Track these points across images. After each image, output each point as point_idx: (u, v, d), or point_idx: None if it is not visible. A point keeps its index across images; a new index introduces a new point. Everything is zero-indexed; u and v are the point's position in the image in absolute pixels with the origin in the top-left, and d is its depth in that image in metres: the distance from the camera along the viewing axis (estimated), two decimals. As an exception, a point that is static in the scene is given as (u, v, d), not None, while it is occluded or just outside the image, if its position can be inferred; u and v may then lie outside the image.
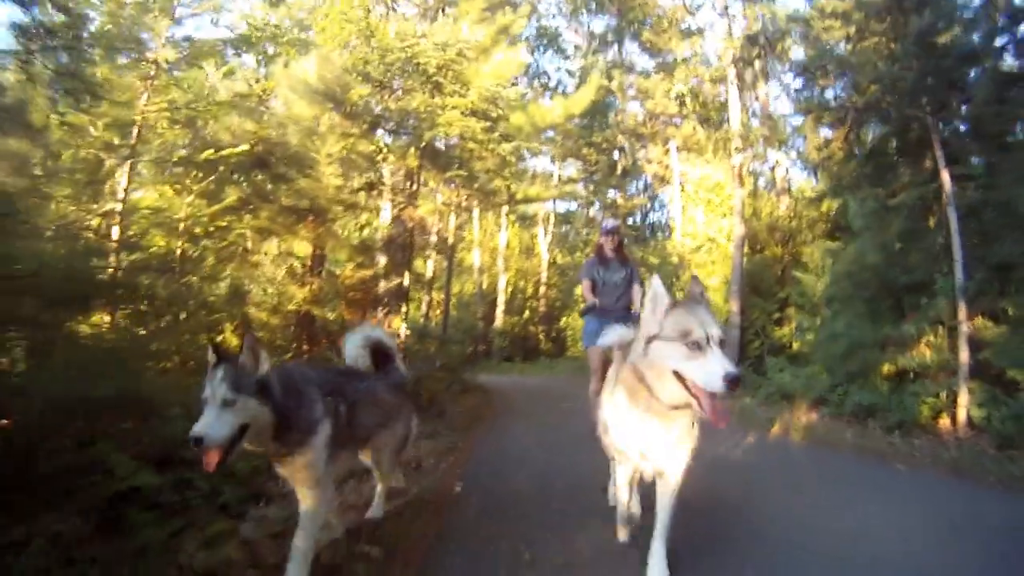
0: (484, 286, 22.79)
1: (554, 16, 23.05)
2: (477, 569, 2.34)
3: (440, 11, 10.56)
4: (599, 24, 24.51)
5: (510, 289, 22.47)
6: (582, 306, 5.05)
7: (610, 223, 5.35)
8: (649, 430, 2.10)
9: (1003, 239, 4.93)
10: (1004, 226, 4.98)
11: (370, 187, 7.07)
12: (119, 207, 4.73)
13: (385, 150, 7.28)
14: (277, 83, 7.05)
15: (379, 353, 2.94)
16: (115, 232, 4.60)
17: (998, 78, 5.16)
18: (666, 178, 18.15)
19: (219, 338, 5.08)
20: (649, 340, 1.90)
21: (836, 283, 7.56)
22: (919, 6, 5.59)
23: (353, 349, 2.87)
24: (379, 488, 2.97)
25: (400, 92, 7.05)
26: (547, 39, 23.75)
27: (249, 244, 6.21)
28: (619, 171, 21.45)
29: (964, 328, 4.99)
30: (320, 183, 5.49)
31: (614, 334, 2.41)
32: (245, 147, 4.85)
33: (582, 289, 5.13)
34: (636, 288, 4.95)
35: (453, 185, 9.00)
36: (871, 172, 6.25)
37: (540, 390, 11.22)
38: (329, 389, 2.31)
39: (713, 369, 1.74)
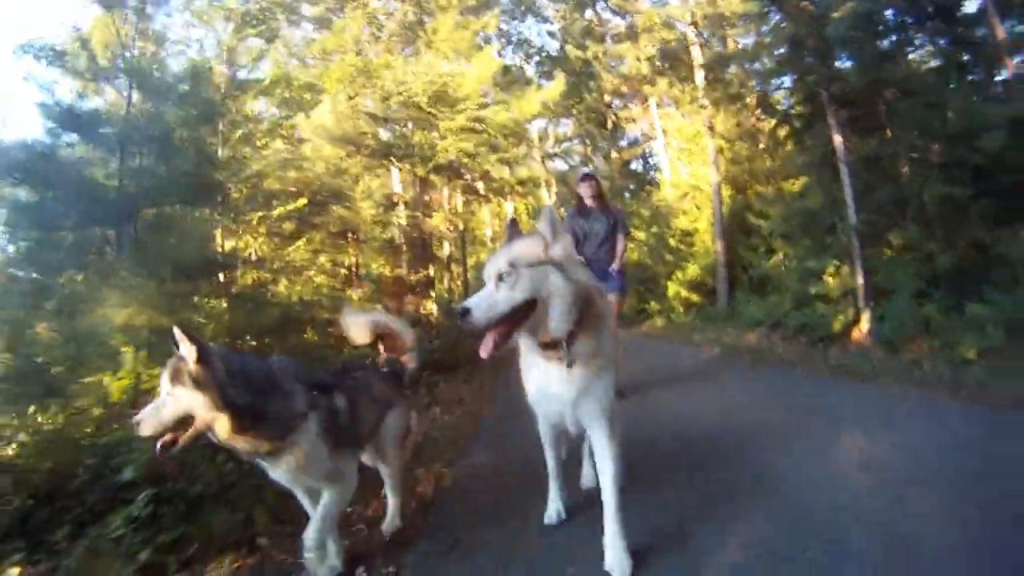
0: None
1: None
2: (503, 430, 4.25)
3: (419, 27, 12.04)
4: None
5: (521, 250, 24.03)
6: None
7: (585, 170, 5.34)
8: (535, 375, 2.13)
9: (880, 188, 6.45)
10: (881, 177, 6.49)
11: (391, 204, 8.71)
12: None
13: (399, 171, 8.94)
14: (301, 129, 8.64)
15: (381, 336, 2.90)
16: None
17: (871, 57, 6.55)
18: (651, 133, 19.39)
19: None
20: None
21: (786, 222, 9.10)
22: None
23: (356, 329, 2.87)
24: (390, 498, 2.75)
25: (402, 126, 8.66)
26: (525, 6, 24.71)
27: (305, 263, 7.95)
28: (609, 127, 22.71)
29: (857, 260, 6.57)
30: (358, 214, 7.18)
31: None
32: (303, 201, 6.48)
33: None
34: (620, 237, 4.98)
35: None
36: (789, 133, 7.76)
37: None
38: (316, 384, 2.27)
39: None
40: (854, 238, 6.55)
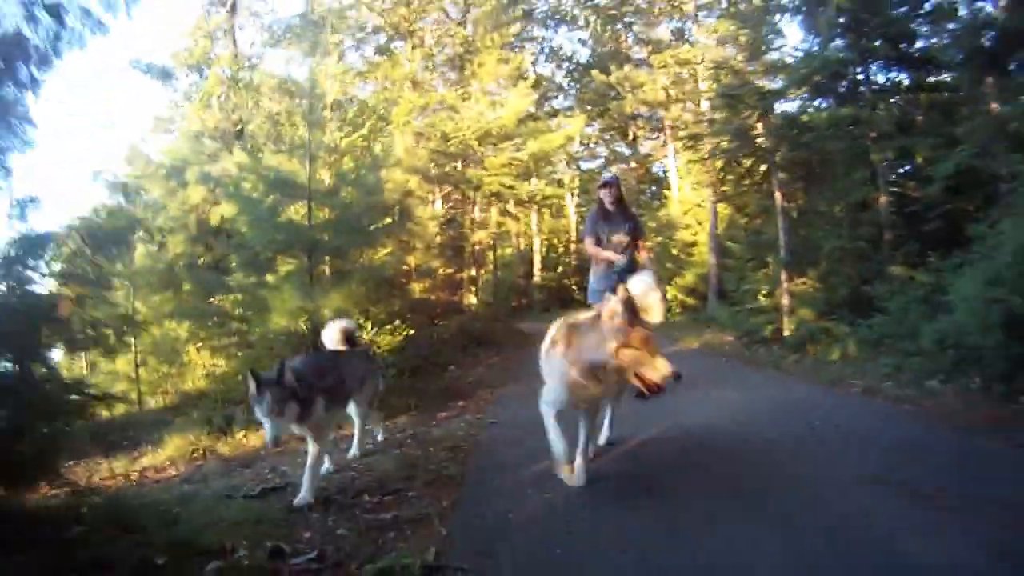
0: (521, 248, 26.95)
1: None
2: (519, 390, 6.77)
3: (467, 61, 14.69)
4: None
5: (544, 248, 26.64)
6: (594, 268, 5.14)
7: (607, 175, 5.49)
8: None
9: (806, 234, 8.99)
10: (807, 225, 9.02)
11: (449, 221, 11.42)
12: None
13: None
14: (376, 157, 11.36)
15: (348, 337, 4.27)
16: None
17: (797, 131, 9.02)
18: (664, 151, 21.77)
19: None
20: None
21: (746, 249, 11.64)
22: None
23: (331, 334, 4.26)
24: (356, 433, 4.26)
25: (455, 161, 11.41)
26: (559, 16, 26.99)
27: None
28: (630, 137, 25.13)
29: (784, 285, 9.09)
30: (426, 229, 9.91)
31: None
32: (389, 219, 9.15)
33: (587, 247, 5.13)
34: (641, 243, 5.07)
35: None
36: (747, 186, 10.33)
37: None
38: (323, 368, 3.60)
39: None
40: (782, 269, 9.09)
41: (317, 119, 7.18)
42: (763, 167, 9.73)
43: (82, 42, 3.07)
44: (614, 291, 4.02)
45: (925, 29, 8.11)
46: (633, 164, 25.35)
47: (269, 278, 6.85)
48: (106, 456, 5.59)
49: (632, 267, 4.77)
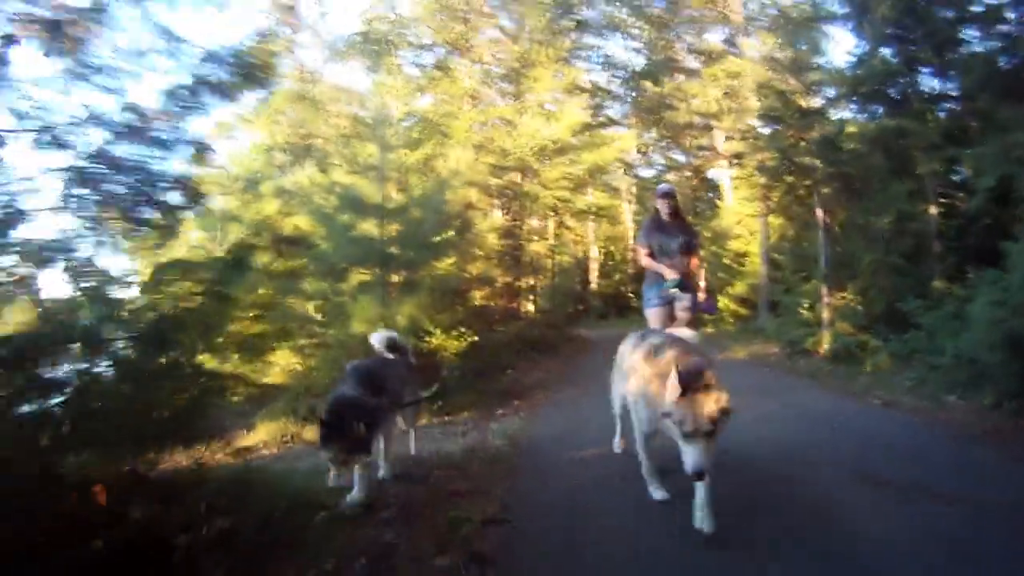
0: (579, 256, 27.39)
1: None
2: (572, 393, 7.46)
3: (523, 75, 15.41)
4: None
5: (601, 256, 27.04)
6: (648, 277, 5.16)
7: (664, 187, 5.38)
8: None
9: (843, 249, 9.32)
10: (847, 239, 9.36)
11: (508, 232, 12.22)
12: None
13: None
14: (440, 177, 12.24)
15: (394, 346, 4.44)
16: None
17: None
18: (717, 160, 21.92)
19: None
20: None
21: (796, 260, 11.96)
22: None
23: (379, 342, 4.44)
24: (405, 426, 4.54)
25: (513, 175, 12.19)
26: (612, 25, 27.34)
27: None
28: (687, 145, 25.30)
29: (825, 299, 9.43)
30: (486, 240, 10.71)
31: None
32: (451, 232, 9.97)
33: (640, 258, 5.20)
34: (695, 257, 5.10)
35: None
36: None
37: (622, 336, 16.47)
38: (381, 377, 3.75)
39: None
40: (822, 283, 9.45)
41: (387, 143, 8.01)
42: (806, 182, 10.07)
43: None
44: (667, 305, 4.85)
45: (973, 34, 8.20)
46: (688, 173, 25.52)
47: (343, 286, 7.72)
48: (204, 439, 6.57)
49: (683, 283, 4.86)
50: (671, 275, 4.83)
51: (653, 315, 4.97)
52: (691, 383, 2.51)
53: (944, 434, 4.68)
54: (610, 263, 27.64)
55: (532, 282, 13.83)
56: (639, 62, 25.02)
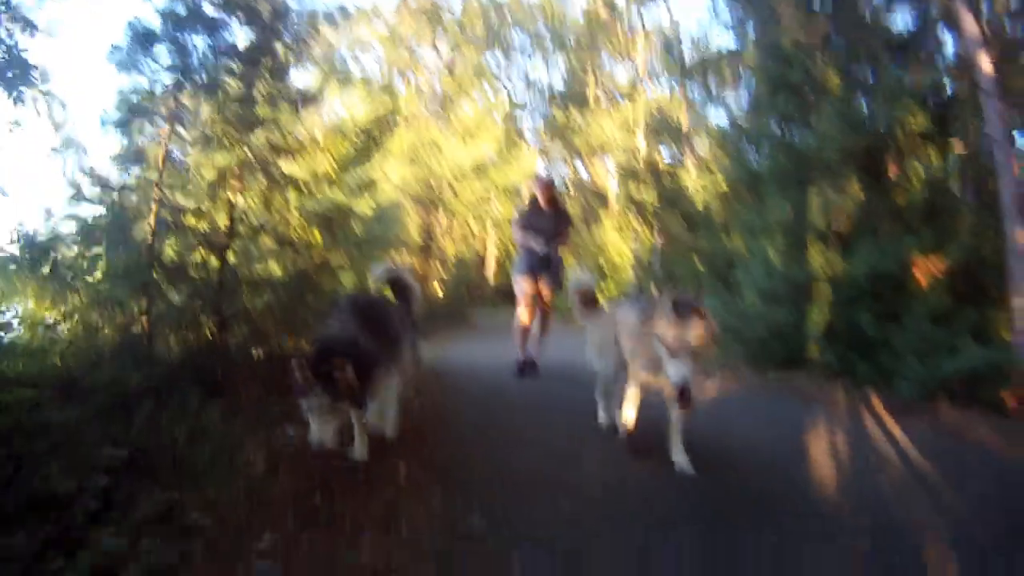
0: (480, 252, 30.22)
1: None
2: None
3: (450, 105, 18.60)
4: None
5: (500, 253, 29.84)
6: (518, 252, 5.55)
7: (543, 176, 5.84)
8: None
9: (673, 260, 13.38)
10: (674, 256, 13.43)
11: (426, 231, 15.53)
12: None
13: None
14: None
15: (398, 286, 3.81)
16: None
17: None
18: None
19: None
20: None
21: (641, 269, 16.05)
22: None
23: (377, 278, 3.89)
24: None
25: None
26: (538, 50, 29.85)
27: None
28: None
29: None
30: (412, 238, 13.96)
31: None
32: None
33: (514, 233, 5.57)
34: (563, 243, 5.51)
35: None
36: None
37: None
38: (376, 321, 3.11)
39: None
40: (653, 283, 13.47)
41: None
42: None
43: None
44: (531, 273, 5.24)
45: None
46: (586, 187, 29.15)
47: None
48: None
49: (549, 258, 5.30)
50: (539, 248, 5.28)
51: (519, 281, 5.45)
52: (682, 309, 2.68)
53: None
54: (509, 259, 30.21)
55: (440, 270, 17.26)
56: (558, 84, 27.82)
